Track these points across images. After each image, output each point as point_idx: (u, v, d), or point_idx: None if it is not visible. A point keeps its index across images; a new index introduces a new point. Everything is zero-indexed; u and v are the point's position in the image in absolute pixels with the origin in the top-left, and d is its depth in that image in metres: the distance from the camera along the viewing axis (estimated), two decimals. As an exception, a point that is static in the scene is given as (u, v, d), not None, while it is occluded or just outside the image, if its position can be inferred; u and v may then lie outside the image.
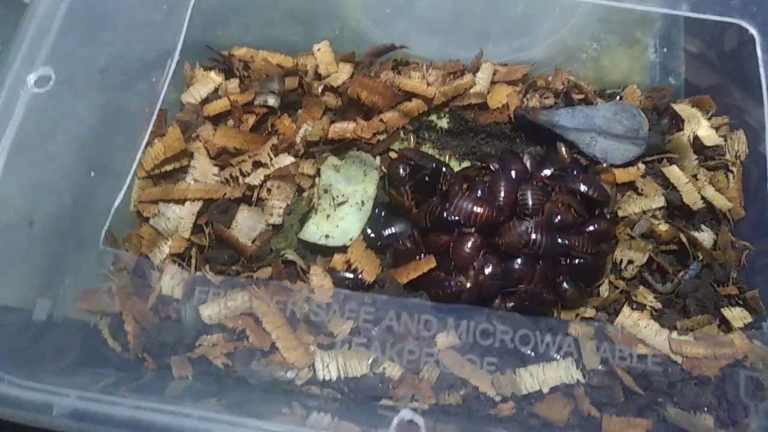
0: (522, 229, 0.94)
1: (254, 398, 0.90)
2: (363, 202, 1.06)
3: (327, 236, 1.02)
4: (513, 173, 1.04)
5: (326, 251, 1.05)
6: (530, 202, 0.98)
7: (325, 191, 1.06)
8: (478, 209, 0.97)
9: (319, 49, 1.21)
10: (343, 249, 1.02)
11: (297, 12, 1.32)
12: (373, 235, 1.05)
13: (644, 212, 1.03)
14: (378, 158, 1.09)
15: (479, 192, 1.02)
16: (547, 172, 1.05)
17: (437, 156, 1.13)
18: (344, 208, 1.05)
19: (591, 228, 1.00)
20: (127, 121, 1.13)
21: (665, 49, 1.37)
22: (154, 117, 1.06)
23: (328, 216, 1.04)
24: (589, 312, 0.97)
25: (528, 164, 1.07)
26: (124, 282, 1.01)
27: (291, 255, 1.01)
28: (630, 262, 1.00)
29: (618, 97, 1.19)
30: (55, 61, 0.98)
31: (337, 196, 1.06)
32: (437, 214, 0.99)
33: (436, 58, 1.24)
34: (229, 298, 0.96)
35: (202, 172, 1.07)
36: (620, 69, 1.34)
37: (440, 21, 1.34)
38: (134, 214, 1.08)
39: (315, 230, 1.03)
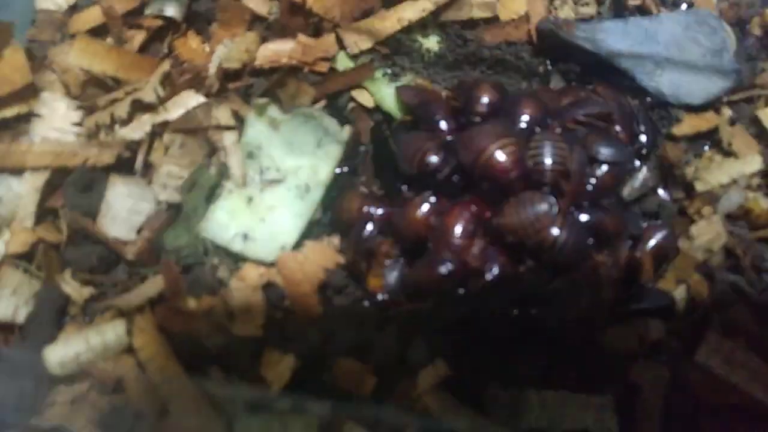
0: (541, 209, 0.55)
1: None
2: (308, 188, 0.63)
3: (245, 236, 0.60)
4: (525, 115, 0.62)
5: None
6: (548, 161, 0.57)
7: (250, 156, 0.64)
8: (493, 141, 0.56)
9: (243, -75, 0.76)
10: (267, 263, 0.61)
11: None
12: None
13: (734, 181, 0.66)
14: (347, 128, 0.65)
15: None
16: (580, 113, 0.63)
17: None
18: (277, 192, 0.63)
19: None
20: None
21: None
22: None
23: (250, 199, 0.62)
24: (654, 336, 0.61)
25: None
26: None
27: (214, 260, 0.60)
28: (709, 251, 0.65)
29: (685, 5, 0.79)
30: None
31: (268, 169, 0.63)
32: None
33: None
34: (93, 333, 0.57)
35: (56, 123, 0.64)
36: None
37: None
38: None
39: (226, 222, 0.61)
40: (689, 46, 0.70)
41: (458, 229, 0.57)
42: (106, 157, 0.61)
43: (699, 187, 0.64)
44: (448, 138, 0.63)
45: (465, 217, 0.57)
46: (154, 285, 0.59)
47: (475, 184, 0.59)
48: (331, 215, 0.64)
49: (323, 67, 0.68)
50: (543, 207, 0.54)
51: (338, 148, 0.65)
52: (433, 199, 0.59)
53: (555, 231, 0.56)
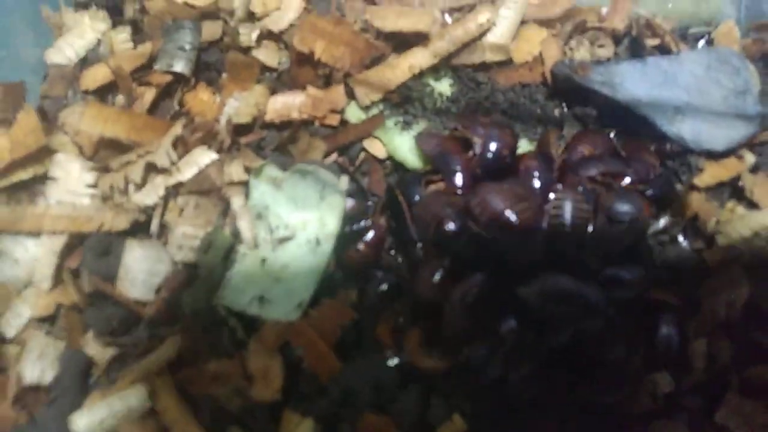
0: (569, 290, 0.55)
1: None
2: (318, 241, 0.63)
3: (261, 299, 0.61)
4: (536, 172, 0.63)
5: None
6: (568, 220, 0.58)
7: (259, 217, 0.64)
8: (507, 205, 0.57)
9: (251, -26, 0.76)
10: (288, 325, 0.61)
11: None
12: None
13: (757, 234, 0.65)
14: (345, 178, 0.65)
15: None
16: (594, 171, 0.63)
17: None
18: (289, 249, 0.63)
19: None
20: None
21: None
22: None
23: (264, 260, 0.63)
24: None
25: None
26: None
27: (231, 321, 0.61)
28: (731, 306, 0.64)
29: (704, 40, 0.77)
30: None
31: (278, 227, 0.64)
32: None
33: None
34: (116, 398, 0.58)
35: (70, 185, 0.65)
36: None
37: None
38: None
39: (242, 287, 0.61)
40: (711, 89, 0.68)
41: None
42: (120, 222, 0.62)
43: (721, 240, 0.63)
44: (462, 192, 0.64)
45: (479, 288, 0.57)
46: (172, 346, 0.61)
47: (491, 251, 0.59)
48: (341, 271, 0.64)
49: (334, 120, 0.68)
50: (570, 287, 0.54)
51: (340, 199, 0.65)
52: (447, 263, 0.59)
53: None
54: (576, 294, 0.54)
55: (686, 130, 0.67)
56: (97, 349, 0.63)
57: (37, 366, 0.62)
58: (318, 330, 0.61)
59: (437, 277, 0.59)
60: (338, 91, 0.68)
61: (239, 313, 0.61)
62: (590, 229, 0.58)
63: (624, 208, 0.60)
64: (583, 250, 0.58)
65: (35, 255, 0.63)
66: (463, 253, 0.59)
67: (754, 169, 0.66)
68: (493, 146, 0.63)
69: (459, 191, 0.63)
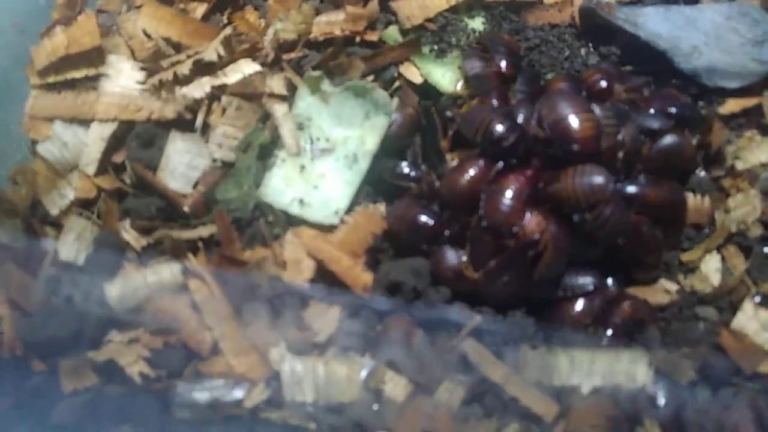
0: (597, 181, 0.58)
1: (182, 430, 0.59)
2: (356, 158, 0.68)
3: (301, 201, 0.66)
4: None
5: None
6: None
7: (300, 127, 0.69)
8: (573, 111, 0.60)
9: None
10: (326, 227, 0.66)
11: None
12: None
13: (774, 160, 0.69)
14: (395, 100, 0.70)
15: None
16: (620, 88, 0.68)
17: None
18: (327, 161, 0.68)
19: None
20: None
21: None
22: None
23: (303, 167, 0.68)
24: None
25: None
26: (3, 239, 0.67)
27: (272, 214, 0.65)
28: (743, 223, 0.66)
29: (726, -2, 0.83)
30: None
31: (318, 139, 0.69)
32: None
33: None
34: (150, 272, 0.62)
35: (120, 81, 0.70)
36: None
37: None
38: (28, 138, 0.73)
39: (282, 188, 0.66)
40: (729, 36, 0.74)
41: (510, 193, 0.61)
42: (168, 111, 0.67)
43: (739, 165, 0.68)
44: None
45: (519, 182, 0.61)
46: (205, 230, 0.65)
47: (538, 153, 0.63)
48: (387, 222, 0.67)
49: (373, 36, 0.74)
50: (599, 179, 0.58)
51: (385, 120, 0.69)
52: (481, 163, 0.63)
53: (606, 208, 0.59)
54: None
55: (702, 66, 0.72)
56: (132, 235, 0.66)
57: (74, 246, 0.66)
58: (351, 238, 0.65)
59: (471, 173, 0.62)
60: (373, 6, 0.74)
61: (281, 211, 0.65)
62: (620, 137, 0.62)
63: (652, 122, 0.65)
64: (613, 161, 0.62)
65: (84, 140, 0.67)
66: (509, 155, 0.62)
67: (773, 105, 0.71)
68: (501, 48, 0.71)
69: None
